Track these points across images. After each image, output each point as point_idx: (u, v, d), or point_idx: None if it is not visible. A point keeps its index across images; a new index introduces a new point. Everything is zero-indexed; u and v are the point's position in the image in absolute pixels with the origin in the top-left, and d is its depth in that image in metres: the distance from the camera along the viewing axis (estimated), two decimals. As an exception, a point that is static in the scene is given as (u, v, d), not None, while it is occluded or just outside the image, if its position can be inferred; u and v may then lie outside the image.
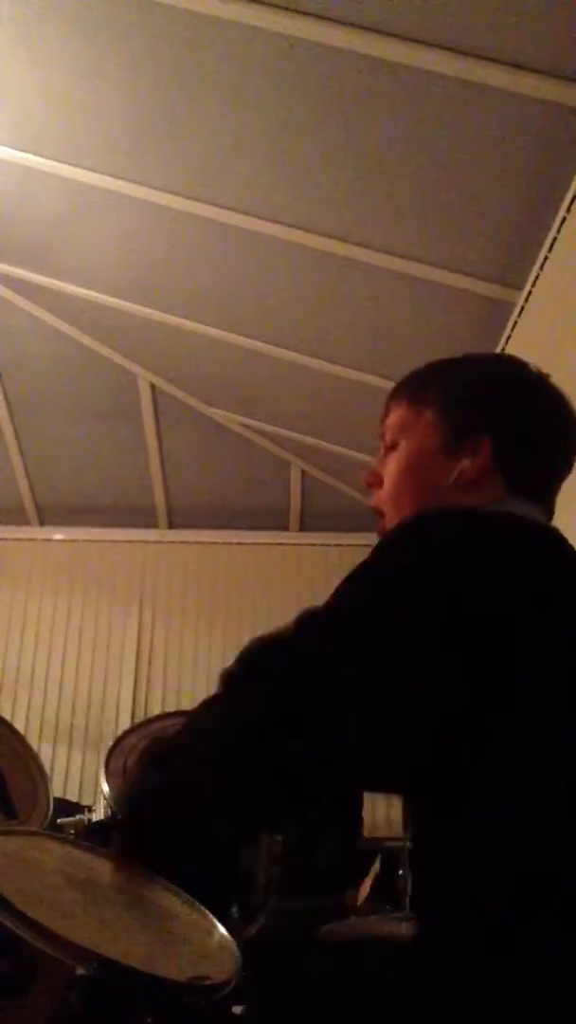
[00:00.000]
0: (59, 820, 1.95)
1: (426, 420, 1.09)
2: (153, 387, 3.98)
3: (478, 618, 0.82)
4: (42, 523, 4.58)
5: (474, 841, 0.80)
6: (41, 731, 4.08)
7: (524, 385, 1.10)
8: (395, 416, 1.13)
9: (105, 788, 2.04)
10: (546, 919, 0.78)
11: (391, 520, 1.09)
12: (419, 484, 1.08)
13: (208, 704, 0.91)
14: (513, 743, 0.81)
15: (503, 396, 1.09)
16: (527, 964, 0.77)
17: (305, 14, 2.08)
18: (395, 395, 1.15)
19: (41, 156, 2.78)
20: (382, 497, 1.12)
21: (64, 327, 3.69)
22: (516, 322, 2.63)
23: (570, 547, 0.94)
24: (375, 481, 1.13)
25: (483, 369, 1.14)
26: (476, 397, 1.09)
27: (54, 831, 1.83)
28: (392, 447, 1.12)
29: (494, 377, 1.12)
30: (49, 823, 1.86)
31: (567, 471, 1.10)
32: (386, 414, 1.15)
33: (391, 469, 1.11)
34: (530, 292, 2.50)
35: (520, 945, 0.77)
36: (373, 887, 2.20)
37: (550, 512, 1.08)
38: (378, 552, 0.90)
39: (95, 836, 1.89)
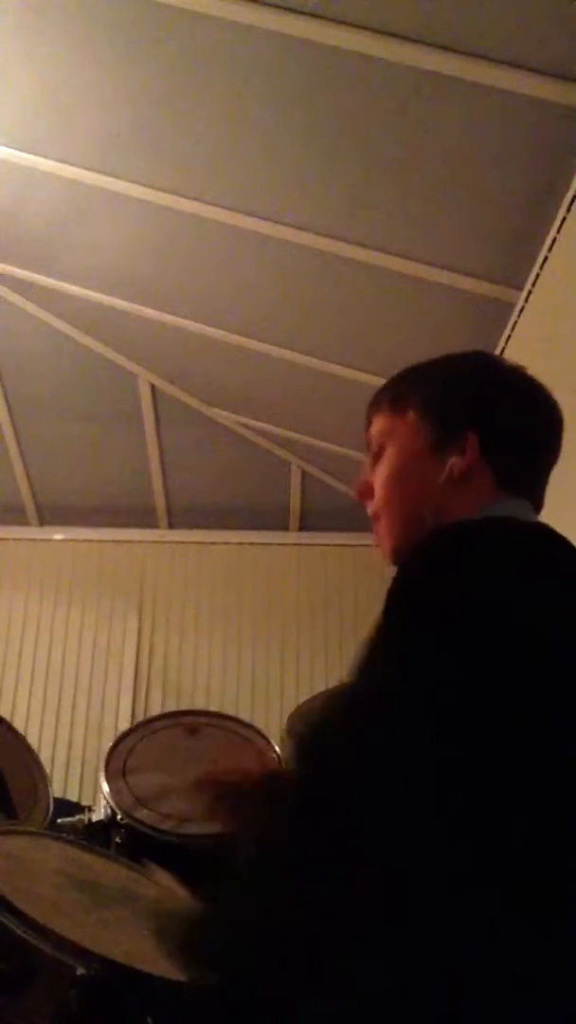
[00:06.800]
0: (59, 820, 1.94)
1: (409, 423, 1.09)
2: (153, 387, 3.98)
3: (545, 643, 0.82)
4: (42, 523, 4.58)
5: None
6: (41, 731, 4.08)
7: (503, 378, 1.11)
8: (378, 424, 1.13)
9: (105, 788, 2.04)
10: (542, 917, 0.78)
11: (388, 526, 1.10)
12: (410, 487, 1.08)
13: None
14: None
15: (483, 391, 1.09)
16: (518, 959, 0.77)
17: (305, 14, 2.08)
18: (375, 404, 1.15)
19: (41, 156, 2.78)
20: (378, 506, 1.12)
21: (64, 327, 3.69)
22: (516, 322, 2.63)
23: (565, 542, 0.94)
24: (366, 491, 1.13)
25: (460, 367, 1.13)
26: (457, 393, 1.09)
27: (54, 831, 1.82)
28: (379, 455, 1.13)
29: (472, 373, 1.12)
30: (49, 823, 1.86)
31: (554, 460, 1.10)
32: (369, 424, 1.15)
33: (381, 476, 1.11)
34: (530, 292, 2.50)
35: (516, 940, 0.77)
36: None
37: (539, 502, 1.09)
38: (406, 611, 0.86)
39: (95, 836, 1.89)
